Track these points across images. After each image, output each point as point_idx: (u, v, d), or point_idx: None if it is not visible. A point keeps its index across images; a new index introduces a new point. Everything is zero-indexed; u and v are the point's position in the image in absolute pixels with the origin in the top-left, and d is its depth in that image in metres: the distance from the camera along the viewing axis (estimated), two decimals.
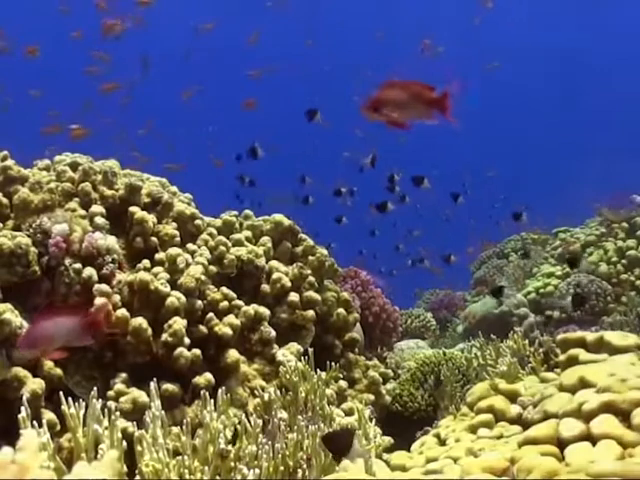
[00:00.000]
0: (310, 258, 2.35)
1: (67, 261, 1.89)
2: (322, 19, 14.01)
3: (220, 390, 1.35)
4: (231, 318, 2.02)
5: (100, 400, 1.19)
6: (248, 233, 2.33)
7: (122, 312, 1.86)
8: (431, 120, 1.32)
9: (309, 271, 2.30)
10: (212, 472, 1.17)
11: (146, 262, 2.01)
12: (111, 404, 1.63)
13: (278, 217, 2.42)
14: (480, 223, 6.33)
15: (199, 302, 2.00)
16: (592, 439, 1.08)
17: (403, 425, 2.19)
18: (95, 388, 1.25)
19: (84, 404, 1.17)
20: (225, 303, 2.05)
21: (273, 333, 2.09)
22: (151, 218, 2.09)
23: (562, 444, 1.11)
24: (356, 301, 2.67)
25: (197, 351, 1.90)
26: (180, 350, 1.87)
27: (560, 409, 1.21)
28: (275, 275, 2.22)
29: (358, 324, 2.46)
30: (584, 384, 1.26)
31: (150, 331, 1.87)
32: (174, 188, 2.33)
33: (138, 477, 1.15)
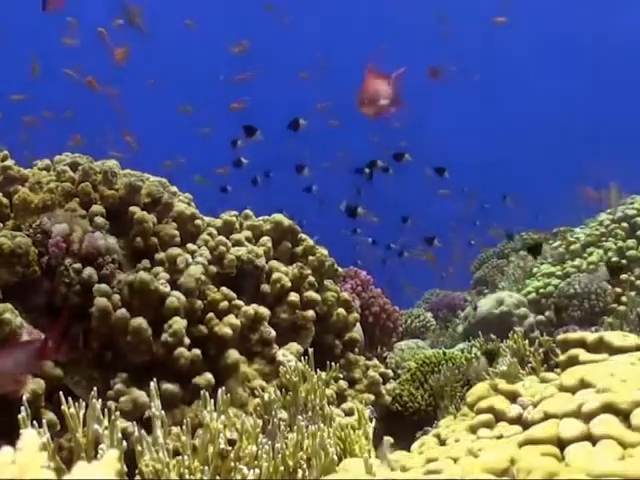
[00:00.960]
0: (310, 258, 2.35)
1: (67, 261, 1.89)
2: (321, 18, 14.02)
3: (220, 390, 1.35)
4: (231, 318, 2.02)
5: (100, 400, 1.19)
6: (248, 233, 2.33)
7: (122, 312, 1.86)
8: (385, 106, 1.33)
9: (309, 271, 2.30)
10: (212, 472, 1.17)
11: (146, 262, 2.01)
12: (111, 404, 1.63)
13: (278, 217, 2.42)
14: (469, 225, 6.37)
15: (199, 302, 2.00)
16: (592, 439, 1.08)
17: (403, 425, 2.18)
18: (95, 388, 1.25)
19: (84, 404, 1.17)
20: (225, 303, 2.05)
21: (273, 333, 2.09)
22: (151, 218, 2.09)
23: (562, 444, 1.11)
24: (356, 301, 2.67)
25: (197, 351, 1.90)
26: (180, 350, 1.87)
27: (560, 409, 1.21)
28: (275, 275, 2.22)
29: (358, 324, 2.46)
30: (584, 384, 1.25)
31: (150, 331, 1.87)
32: (174, 188, 2.33)
33: (138, 477, 1.15)
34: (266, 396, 1.62)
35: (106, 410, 1.17)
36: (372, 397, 2.21)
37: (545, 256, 1.79)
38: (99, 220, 2.02)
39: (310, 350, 1.73)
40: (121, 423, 1.47)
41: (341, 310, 2.35)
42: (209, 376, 1.88)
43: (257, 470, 1.17)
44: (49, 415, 1.63)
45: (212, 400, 1.28)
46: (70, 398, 1.18)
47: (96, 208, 2.05)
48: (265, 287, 2.21)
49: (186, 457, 1.16)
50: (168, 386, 1.81)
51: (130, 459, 1.15)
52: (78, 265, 1.89)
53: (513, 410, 1.40)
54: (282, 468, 1.22)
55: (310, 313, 2.21)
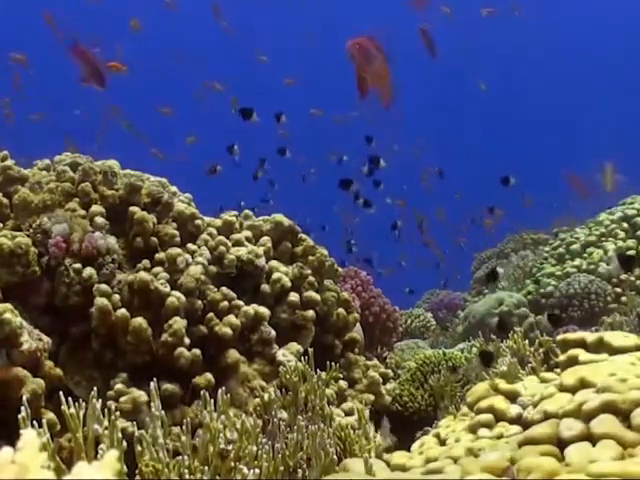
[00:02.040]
0: (310, 258, 2.35)
1: (67, 261, 1.89)
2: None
3: (220, 390, 1.35)
4: (231, 318, 2.02)
5: (100, 400, 1.19)
6: (248, 233, 2.33)
7: (122, 312, 1.86)
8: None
9: (309, 271, 2.30)
10: (212, 472, 1.17)
11: (146, 262, 2.01)
12: (111, 404, 1.63)
13: (278, 217, 2.42)
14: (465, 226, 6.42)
15: (199, 302, 2.00)
16: (592, 439, 1.08)
17: (403, 425, 2.18)
18: (95, 388, 1.25)
19: (84, 404, 1.17)
20: (225, 303, 2.05)
21: (273, 333, 2.09)
22: (151, 218, 2.09)
23: (562, 444, 1.11)
24: (356, 301, 2.67)
25: (197, 351, 1.90)
26: (180, 350, 1.87)
27: (560, 409, 1.21)
28: (275, 275, 2.22)
29: (358, 324, 2.46)
30: (584, 384, 1.26)
31: (150, 331, 1.87)
32: (174, 188, 2.33)
33: (138, 477, 1.15)
34: (266, 396, 1.62)
35: (106, 410, 1.17)
36: (372, 397, 2.21)
37: (501, 280, 1.79)
38: (99, 220, 2.02)
39: (310, 350, 1.73)
40: (121, 423, 1.47)
41: (341, 310, 2.35)
42: (209, 376, 1.88)
43: (257, 470, 1.17)
44: (49, 415, 1.63)
45: (212, 400, 1.28)
46: (70, 398, 1.18)
47: (96, 208, 2.05)
48: (265, 287, 2.21)
49: (186, 457, 1.16)
50: (168, 386, 1.81)
51: (130, 459, 1.15)
52: (78, 265, 1.89)
53: (513, 410, 1.40)
54: (282, 468, 1.22)
55: (310, 313, 2.21)
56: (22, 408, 1.12)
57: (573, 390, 1.26)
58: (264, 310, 2.11)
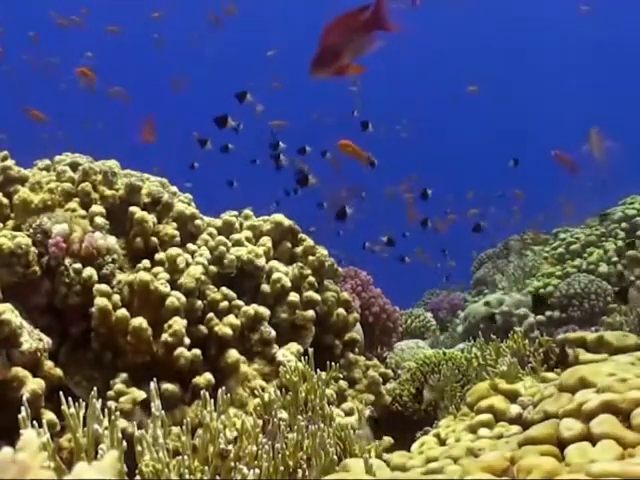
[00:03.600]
0: (310, 258, 2.35)
1: (67, 261, 1.89)
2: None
3: (220, 390, 1.35)
4: (231, 318, 2.02)
5: (100, 400, 1.19)
6: (248, 233, 2.33)
7: (122, 312, 1.86)
8: (376, 43, 1.24)
9: (309, 271, 2.30)
10: (212, 472, 1.17)
11: (146, 262, 2.01)
12: (111, 404, 1.63)
13: (278, 217, 2.42)
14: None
15: (199, 302, 2.00)
16: (592, 439, 1.08)
17: (403, 425, 2.18)
18: (95, 388, 1.25)
19: (84, 404, 1.17)
20: (225, 303, 2.05)
21: (273, 333, 2.09)
22: (151, 218, 2.09)
23: (562, 444, 1.11)
24: (356, 301, 2.67)
25: (197, 351, 1.90)
26: (180, 350, 1.87)
27: (560, 409, 1.21)
28: (275, 275, 2.22)
29: (358, 324, 2.46)
30: (584, 384, 1.25)
31: (150, 331, 1.87)
32: (174, 188, 2.33)
33: (138, 477, 1.15)
34: (266, 396, 1.62)
35: (106, 410, 1.17)
36: (372, 397, 2.21)
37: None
38: (99, 220, 2.02)
39: (310, 350, 1.73)
40: (121, 423, 1.47)
41: (341, 310, 2.35)
42: (209, 376, 1.88)
43: (257, 470, 1.17)
44: (49, 415, 1.63)
45: (212, 400, 1.28)
46: (70, 398, 1.18)
47: (96, 208, 2.05)
48: (265, 287, 2.21)
49: (186, 457, 1.16)
50: (168, 386, 1.81)
51: (130, 459, 1.15)
52: (78, 265, 1.89)
53: (513, 410, 1.40)
54: (282, 468, 1.22)
55: (310, 313, 2.21)
56: (22, 408, 1.12)
57: (573, 390, 1.26)
58: (264, 310, 2.11)
